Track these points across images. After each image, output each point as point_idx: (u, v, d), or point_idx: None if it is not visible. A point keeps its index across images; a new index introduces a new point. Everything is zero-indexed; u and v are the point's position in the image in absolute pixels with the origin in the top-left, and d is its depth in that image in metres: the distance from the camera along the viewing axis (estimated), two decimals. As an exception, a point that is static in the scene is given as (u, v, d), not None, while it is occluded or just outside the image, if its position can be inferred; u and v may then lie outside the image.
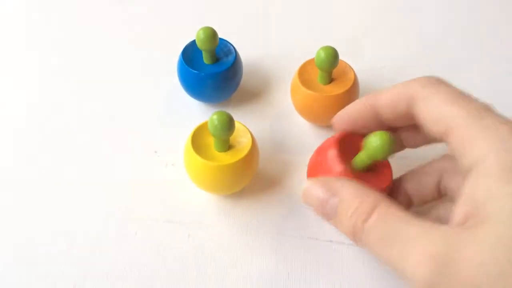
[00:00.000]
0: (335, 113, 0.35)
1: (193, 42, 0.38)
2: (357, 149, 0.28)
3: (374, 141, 0.26)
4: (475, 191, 0.21)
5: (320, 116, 0.36)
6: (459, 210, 0.21)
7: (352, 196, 0.24)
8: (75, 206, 0.34)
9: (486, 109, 0.23)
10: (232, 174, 0.31)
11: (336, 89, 0.35)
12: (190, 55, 0.37)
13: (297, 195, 0.34)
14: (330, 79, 0.35)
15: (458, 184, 0.27)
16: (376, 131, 0.26)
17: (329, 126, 0.38)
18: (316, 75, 0.36)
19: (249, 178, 0.33)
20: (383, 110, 0.27)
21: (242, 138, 0.32)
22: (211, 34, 0.35)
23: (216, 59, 0.37)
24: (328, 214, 0.25)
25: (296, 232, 0.32)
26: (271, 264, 0.31)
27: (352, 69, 0.36)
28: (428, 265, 0.20)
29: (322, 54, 0.33)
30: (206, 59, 0.37)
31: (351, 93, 0.35)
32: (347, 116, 0.29)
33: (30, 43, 0.46)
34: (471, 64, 0.44)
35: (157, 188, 0.35)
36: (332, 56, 0.33)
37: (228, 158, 0.31)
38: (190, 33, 0.38)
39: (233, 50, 0.38)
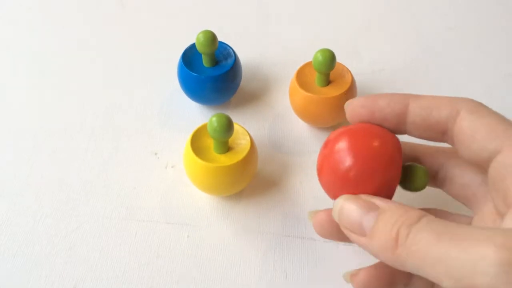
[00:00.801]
0: (333, 115, 0.36)
1: (193, 45, 0.38)
2: None
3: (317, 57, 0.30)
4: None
5: (318, 118, 0.36)
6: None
7: (395, 206, 0.22)
8: (75, 207, 0.34)
9: None
10: (231, 176, 0.31)
11: (333, 91, 0.35)
12: (190, 58, 0.38)
13: (295, 196, 0.35)
14: (327, 82, 0.36)
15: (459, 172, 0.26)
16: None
17: (327, 128, 0.39)
18: (314, 78, 0.36)
19: (248, 179, 0.33)
20: (417, 111, 0.24)
21: (241, 140, 0.32)
22: (211, 37, 0.35)
23: (215, 62, 0.38)
24: (363, 230, 0.22)
25: (294, 233, 0.33)
26: (269, 264, 0.31)
27: (350, 71, 0.36)
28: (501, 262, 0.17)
29: (320, 57, 0.34)
30: (206, 62, 0.37)
31: (349, 95, 0.35)
32: (371, 100, 0.26)
33: (31, 44, 0.47)
34: (470, 67, 0.44)
35: (157, 189, 0.35)
36: (330, 58, 0.34)
37: (227, 160, 0.31)
38: (190, 37, 0.39)
39: (233, 53, 0.38)
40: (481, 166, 0.23)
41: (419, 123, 0.25)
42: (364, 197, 0.23)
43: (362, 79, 0.42)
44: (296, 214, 0.34)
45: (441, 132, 0.24)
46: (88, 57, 0.46)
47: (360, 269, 0.26)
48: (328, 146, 0.26)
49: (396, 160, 0.24)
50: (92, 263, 0.32)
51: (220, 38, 0.37)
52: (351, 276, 0.27)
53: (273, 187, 0.35)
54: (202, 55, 0.37)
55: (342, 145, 0.24)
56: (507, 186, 0.21)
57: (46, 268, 0.31)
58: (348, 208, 0.23)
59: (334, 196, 0.25)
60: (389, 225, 0.21)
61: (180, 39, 0.42)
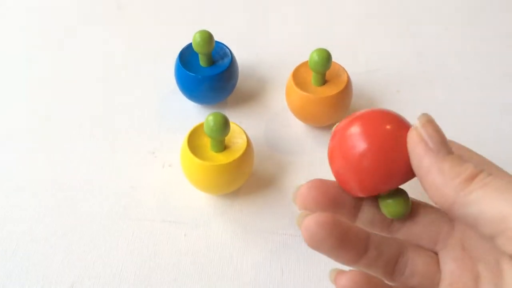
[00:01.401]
0: (329, 114, 0.36)
1: (190, 45, 0.38)
2: None
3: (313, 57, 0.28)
4: None
5: (314, 117, 0.37)
6: None
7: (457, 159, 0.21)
8: (72, 206, 0.34)
9: None
10: (227, 174, 0.32)
11: (329, 91, 0.35)
12: (186, 58, 0.38)
13: (291, 195, 0.35)
14: (323, 81, 0.36)
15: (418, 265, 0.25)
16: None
17: (323, 127, 0.39)
18: (310, 77, 0.36)
19: (245, 178, 0.33)
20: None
21: (237, 139, 0.33)
22: (208, 37, 0.35)
23: (212, 62, 0.38)
24: (431, 148, 0.21)
25: (290, 231, 0.33)
26: (265, 262, 0.32)
27: (346, 71, 0.37)
28: None
29: (316, 57, 0.34)
30: (202, 62, 0.37)
31: (344, 95, 0.36)
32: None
33: (29, 45, 0.47)
34: (465, 67, 0.44)
35: (154, 188, 0.35)
36: (325, 58, 0.34)
37: (223, 159, 0.31)
38: (187, 37, 0.39)
39: (229, 53, 0.38)
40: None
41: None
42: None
43: (357, 79, 0.42)
44: (292, 212, 0.34)
45: None
46: (85, 57, 0.46)
47: (345, 272, 0.24)
48: (339, 133, 0.25)
49: None
50: (90, 262, 0.32)
51: (216, 38, 0.37)
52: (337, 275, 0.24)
53: (269, 185, 0.36)
54: (199, 55, 0.37)
55: (355, 130, 0.23)
56: None
57: (43, 267, 0.31)
58: (433, 128, 0.22)
59: (345, 184, 0.24)
60: (457, 165, 0.20)
61: (177, 39, 0.42)
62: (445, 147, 0.21)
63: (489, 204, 0.19)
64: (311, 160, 0.37)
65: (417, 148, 0.21)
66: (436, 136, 0.21)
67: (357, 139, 0.23)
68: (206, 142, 0.32)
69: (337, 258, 0.23)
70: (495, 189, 0.19)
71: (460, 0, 0.51)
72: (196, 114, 0.41)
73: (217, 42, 0.38)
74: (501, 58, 0.45)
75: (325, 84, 0.36)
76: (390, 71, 0.44)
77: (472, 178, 0.20)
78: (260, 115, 0.40)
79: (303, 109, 0.36)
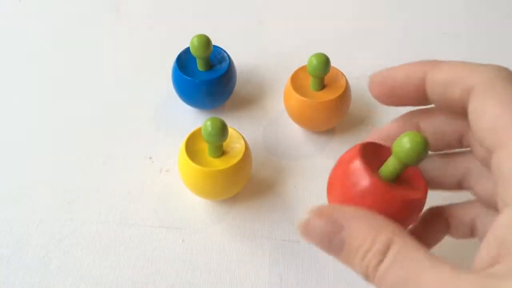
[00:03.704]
0: (327, 119, 0.36)
1: (187, 49, 0.38)
2: (381, 160, 0.24)
3: (405, 143, 0.21)
4: (508, 236, 0.17)
5: (312, 121, 0.36)
6: (486, 252, 0.18)
7: (363, 231, 0.20)
8: (69, 211, 0.34)
9: None
10: (225, 180, 0.31)
11: (328, 95, 0.35)
12: (184, 62, 0.38)
13: (290, 200, 0.35)
14: (322, 86, 0.36)
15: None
16: (406, 132, 0.21)
17: (321, 132, 0.39)
18: (309, 82, 0.36)
19: (243, 183, 0.33)
20: (432, 86, 0.22)
21: (235, 144, 0.32)
22: (205, 41, 0.35)
23: (210, 66, 0.38)
24: (335, 250, 0.21)
25: (289, 237, 0.33)
26: (264, 268, 0.31)
27: (344, 75, 0.37)
28: None
29: (314, 61, 0.34)
30: (200, 66, 0.37)
31: (343, 99, 0.36)
32: (388, 78, 0.25)
33: (27, 48, 0.47)
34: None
35: (152, 193, 0.35)
36: (324, 63, 0.34)
37: (221, 164, 0.31)
38: (185, 40, 0.39)
39: (227, 57, 0.38)
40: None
41: (439, 101, 0.22)
42: (329, 211, 0.21)
43: (356, 83, 0.42)
44: (290, 218, 0.34)
45: (462, 111, 0.21)
46: (82, 61, 0.45)
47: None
48: (340, 166, 0.24)
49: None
50: (87, 268, 0.31)
51: (214, 42, 0.37)
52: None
53: (267, 191, 0.35)
54: (197, 59, 0.37)
55: (355, 167, 0.23)
56: (499, 188, 0.19)
57: (40, 273, 0.31)
58: (316, 224, 0.21)
59: (342, 199, 0.23)
60: (359, 258, 0.20)
61: (175, 43, 0.42)
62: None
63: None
64: (310, 165, 0.37)
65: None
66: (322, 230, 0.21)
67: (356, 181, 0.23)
68: (204, 147, 0.32)
69: None
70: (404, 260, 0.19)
71: (458, 4, 0.51)
72: (193, 118, 0.40)
73: (215, 46, 0.38)
74: (500, 62, 0.45)
75: (323, 89, 0.36)
76: (388, 75, 0.44)
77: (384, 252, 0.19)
78: (258, 120, 0.40)
79: (301, 113, 0.36)
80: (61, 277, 0.31)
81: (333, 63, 0.35)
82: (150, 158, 0.37)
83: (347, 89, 0.36)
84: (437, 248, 0.26)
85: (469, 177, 0.25)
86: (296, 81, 0.36)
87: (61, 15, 0.51)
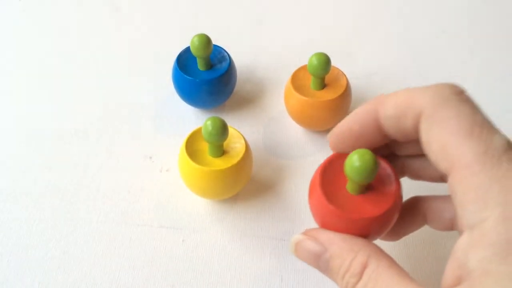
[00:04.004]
0: (328, 118, 0.36)
1: (188, 48, 0.38)
2: None
3: (353, 162, 0.22)
4: (470, 258, 0.18)
5: (313, 121, 0.36)
6: (450, 272, 0.19)
7: (341, 252, 0.22)
8: (69, 211, 0.34)
9: (505, 150, 0.18)
10: (226, 179, 0.31)
11: (328, 95, 0.35)
12: (184, 61, 0.38)
13: (290, 200, 0.35)
14: (323, 85, 0.36)
15: None
16: (356, 150, 0.22)
17: (322, 131, 0.39)
18: (309, 81, 0.36)
19: (243, 183, 0.33)
20: (386, 123, 0.22)
21: (235, 144, 0.32)
22: (205, 41, 0.35)
23: (210, 65, 0.37)
24: (322, 269, 0.23)
25: (289, 236, 0.33)
26: (264, 268, 0.31)
27: (345, 75, 0.36)
28: None
29: (315, 61, 0.34)
30: (200, 65, 0.37)
31: (344, 99, 0.36)
32: (345, 132, 0.24)
33: (26, 48, 0.47)
34: (463, 70, 0.44)
35: (152, 193, 0.35)
36: (325, 62, 0.34)
37: (222, 164, 0.31)
38: (185, 40, 0.39)
39: (227, 56, 0.38)
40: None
41: (397, 135, 0.22)
42: (316, 234, 0.23)
43: (357, 83, 0.42)
44: (291, 218, 0.34)
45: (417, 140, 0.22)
46: (82, 60, 0.45)
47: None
48: (310, 188, 0.25)
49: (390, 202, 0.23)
50: (87, 268, 0.31)
51: (214, 41, 0.37)
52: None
53: (268, 190, 0.35)
54: (197, 59, 0.37)
55: (316, 195, 0.24)
56: (457, 210, 0.19)
57: (40, 273, 0.31)
58: (305, 246, 0.24)
59: (321, 224, 0.25)
60: (340, 277, 0.22)
61: (175, 43, 0.42)
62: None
63: None
64: (310, 164, 0.37)
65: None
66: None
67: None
68: (204, 146, 0.32)
69: None
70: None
71: (457, 3, 0.51)
72: (194, 118, 0.40)
73: (215, 45, 0.38)
74: (499, 60, 0.45)
75: (324, 88, 0.36)
76: (389, 74, 0.44)
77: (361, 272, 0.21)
78: (258, 120, 0.40)
79: (302, 113, 0.36)
80: (61, 277, 0.31)
81: (333, 63, 0.35)
82: (150, 157, 0.37)
83: (347, 88, 0.36)
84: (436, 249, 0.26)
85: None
86: (296, 80, 0.36)
87: (61, 15, 0.50)
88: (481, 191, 0.18)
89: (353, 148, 0.23)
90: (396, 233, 0.27)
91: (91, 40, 0.48)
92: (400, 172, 0.26)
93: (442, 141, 0.19)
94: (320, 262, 0.23)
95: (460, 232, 0.19)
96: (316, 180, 0.24)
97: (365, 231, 0.23)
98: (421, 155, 0.24)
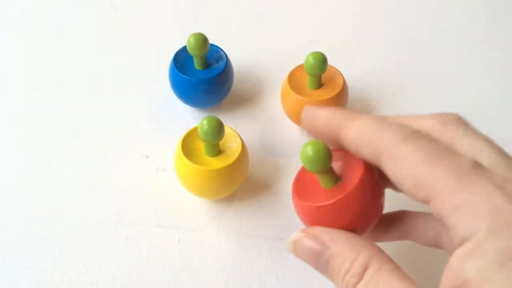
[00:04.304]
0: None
1: (184, 48, 0.38)
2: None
3: (305, 153, 0.23)
4: (466, 268, 0.18)
5: (309, 121, 0.36)
6: (447, 281, 0.19)
7: (343, 251, 0.22)
8: (65, 210, 0.34)
9: (475, 168, 0.19)
10: (222, 179, 0.31)
11: (325, 94, 0.35)
12: (181, 61, 0.38)
13: (287, 199, 0.35)
14: (319, 84, 0.36)
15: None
16: (309, 141, 0.23)
17: (319, 131, 0.39)
18: (306, 81, 0.36)
19: (239, 182, 0.33)
20: (346, 143, 0.23)
21: (232, 143, 0.32)
22: (202, 40, 0.35)
23: (207, 65, 0.37)
24: (321, 268, 0.23)
25: (285, 236, 0.33)
26: (260, 267, 0.31)
27: (341, 74, 0.36)
28: None
29: (311, 60, 0.34)
30: (197, 65, 0.37)
31: (340, 98, 0.36)
32: (313, 121, 0.25)
33: (23, 46, 0.47)
34: (461, 70, 0.44)
35: (148, 192, 0.35)
36: (321, 61, 0.34)
37: (218, 163, 0.31)
38: (181, 39, 0.38)
39: (224, 56, 0.38)
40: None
41: (356, 153, 0.23)
42: (317, 232, 0.23)
43: (353, 82, 0.42)
44: (287, 217, 0.34)
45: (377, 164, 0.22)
46: (79, 59, 0.45)
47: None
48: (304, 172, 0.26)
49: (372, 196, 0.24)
50: (82, 267, 0.31)
51: (211, 40, 0.37)
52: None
53: (264, 190, 0.35)
54: (194, 58, 0.37)
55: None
56: (449, 229, 0.20)
57: (35, 272, 0.31)
58: (304, 244, 0.23)
59: (304, 222, 0.25)
60: (340, 278, 0.22)
61: (172, 42, 0.42)
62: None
63: None
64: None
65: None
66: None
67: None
68: (200, 146, 0.32)
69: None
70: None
71: (456, 2, 0.51)
72: (190, 117, 0.40)
73: (212, 45, 0.38)
74: (499, 60, 0.45)
75: (320, 88, 0.36)
76: (386, 74, 0.44)
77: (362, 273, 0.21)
78: (255, 119, 0.40)
79: (298, 112, 0.36)
80: (57, 276, 0.31)
81: (330, 62, 0.35)
82: (147, 157, 0.37)
83: (344, 87, 0.36)
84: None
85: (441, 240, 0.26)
86: (293, 80, 0.36)
87: (59, 14, 0.50)
88: (466, 207, 0.18)
89: (315, 135, 0.25)
90: (374, 237, 0.28)
91: (88, 39, 0.48)
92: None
93: (413, 174, 0.20)
94: (319, 261, 0.23)
95: (451, 249, 0.19)
96: (294, 179, 0.26)
97: (322, 221, 0.24)
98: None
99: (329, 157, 0.23)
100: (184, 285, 0.31)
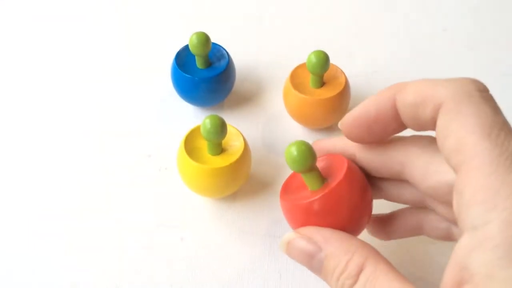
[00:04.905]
0: (327, 116, 0.36)
1: (186, 46, 0.38)
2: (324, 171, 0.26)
3: (289, 153, 0.23)
4: (472, 261, 0.17)
5: (312, 119, 0.36)
6: (450, 276, 0.18)
7: (337, 252, 0.22)
8: (68, 210, 0.34)
9: None
10: (224, 177, 0.31)
11: (327, 93, 0.35)
12: (183, 59, 0.38)
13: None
14: (321, 83, 0.36)
15: (422, 173, 0.23)
16: (293, 141, 0.24)
17: (321, 129, 0.39)
18: (308, 79, 0.36)
19: (242, 181, 0.33)
20: (404, 110, 0.22)
21: (234, 142, 0.32)
22: (204, 39, 0.35)
23: (209, 63, 0.37)
24: (315, 269, 0.23)
25: (289, 234, 0.33)
26: (263, 265, 0.31)
27: (343, 73, 0.36)
28: None
29: (313, 58, 0.34)
30: (199, 63, 0.37)
31: (342, 97, 0.36)
32: (361, 116, 0.23)
33: (25, 47, 0.47)
34: (464, 68, 0.44)
35: (151, 191, 0.35)
36: (323, 60, 0.34)
37: (220, 162, 0.31)
38: (184, 38, 0.38)
39: (226, 54, 0.38)
40: None
41: (413, 123, 0.22)
42: (310, 232, 0.23)
43: (356, 81, 0.42)
44: (290, 216, 0.34)
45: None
46: (80, 59, 0.45)
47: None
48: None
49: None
50: (87, 267, 0.31)
51: (213, 39, 0.37)
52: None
53: (267, 188, 0.35)
54: (196, 57, 0.37)
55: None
56: (460, 210, 0.19)
57: (41, 272, 0.31)
58: (297, 245, 0.23)
59: (294, 226, 0.25)
60: (335, 279, 0.22)
61: (174, 41, 0.42)
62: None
63: None
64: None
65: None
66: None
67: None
68: (203, 144, 0.32)
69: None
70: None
71: (458, 1, 0.51)
72: (192, 116, 0.40)
73: (214, 43, 0.38)
74: (500, 58, 0.45)
75: (323, 86, 0.36)
76: (388, 72, 0.44)
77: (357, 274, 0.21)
78: (257, 117, 0.40)
79: (300, 111, 0.36)
80: (60, 276, 0.31)
81: (332, 60, 0.35)
82: (149, 155, 0.37)
83: (346, 86, 0.36)
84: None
85: (407, 170, 0.24)
86: (295, 78, 0.36)
87: (59, 14, 0.50)
88: (489, 193, 0.17)
89: (367, 135, 0.24)
90: (387, 235, 0.28)
91: (89, 38, 0.48)
92: (377, 194, 0.27)
93: (458, 137, 0.19)
94: (313, 262, 0.23)
95: (460, 233, 0.18)
96: (281, 187, 0.27)
97: (311, 220, 0.23)
98: (397, 180, 0.25)
99: (314, 156, 0.23)
100: (187, 283, 0.31)
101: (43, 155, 0.37)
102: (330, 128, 0.39)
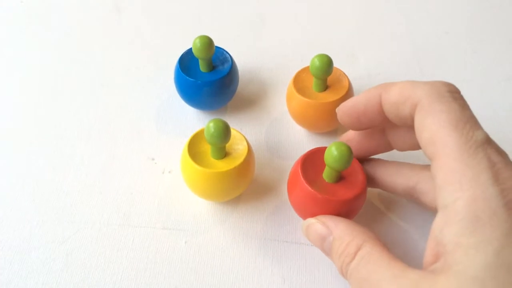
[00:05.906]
0: (330, 120, 0.36)
1: (190, 50, 0.38)
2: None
3: (332, 152, 0.27)
4: (444, 236, 0.20)
5: (315, 122, 0.36)
6: (429, 251, 0.22)
7: (342, 235, 0.25)
8: (71, 213, 0.34)
9: (483, 143, 0.21)
10: (228, 181, 0.31)
11: (330, 96, 0.35)
12: (186, 63, 0.38)
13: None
14: (325, 87, 0.36)
15: (431, 192, 0.28)
16: (334, 142, 0.27)
17: (324, 133, 0.39)
18: (311, 83, 0.36)
19: (246, 185, 0.33)
20: (387, 107, 0.26)
21: (238, 146, 0.32)
22: (208, 42, 0.35)
23: (212, 67, 0.38)
24: (326, 250, 0.27)
25: (292, 238, 0.33)
26: (267, 269, 0.31)
27: (347, 76, 0.36)
28: None
29: (317, 62, 0.34)
30: (202, 67, 0.37)
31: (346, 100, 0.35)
32: (351, 108, 0.28)
33: (27, 49, 0.47)
34: (466, 71, 0.44)
35: (154, 195, 0.35)
36: (327, 63, 0.34)
37: (224, 166, 0.31)
38: (187, 42, 0.39)
39: (229, 58, 0.38)
40: None
41: (395, 119, 0.26)
42: (325, 219, 0.27)
43: (359, 84, 0.42)
44: (293, 220, 0.34)
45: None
46: (84, 62, 0.45)
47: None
48: (291, 175, 0.31)
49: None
50: (89, 269, 0.31)
51: (216, 43, 0.37)
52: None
53: (270, 192, 0.35)
54: (199, 60, 0.37)
55: (298, 178, 0.29)
56: (436, 193, 0.22)
57: (43, 275, 0.31)
58: (314, 228, 0.27)
59: (304, 215, 0.30)
60: (337, 257, 0.25)
61: (177, 44, 0.42)
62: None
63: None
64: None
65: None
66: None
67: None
68: (207, 148, 0.32)
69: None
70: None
71: (460, 3, 0.51)
72: (196, 120, 0.40)
73: (217, 47, 0.38)
74: (502, 61, 0.45)
75: (326, 90, 0.36)
76: (391, 75, 0.44)
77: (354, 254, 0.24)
78: (260, 121, 0.40)
79: (304, 115, 0.36)
80: (64, 278, 0.31)
81: (335, 64, 0.35)
82: (153, 159, 0.37)
83: (350, 90, 0.36)
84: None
85: (417, 188, 0.29)
86: (298, 82, 0.36)
87: (62, 17, 0.51)
88: (457, 175, 0.20)
89: (357, 124, 0.28)
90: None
91: (92, 41, 0.48)
92: (387, 146, 0.31)
93: (431, 130, 0.22)
94: (324, 244, 0.27)
95: (437, 213, 0.22)
96: (297, 172, 0.29)
97: (339, 212, 0.28)
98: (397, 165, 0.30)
99: (352, 156, 0.27)
100: (191, 287, 0.31)
101: (45, 158, 0.37)
102: (333, 132, 0.39)
